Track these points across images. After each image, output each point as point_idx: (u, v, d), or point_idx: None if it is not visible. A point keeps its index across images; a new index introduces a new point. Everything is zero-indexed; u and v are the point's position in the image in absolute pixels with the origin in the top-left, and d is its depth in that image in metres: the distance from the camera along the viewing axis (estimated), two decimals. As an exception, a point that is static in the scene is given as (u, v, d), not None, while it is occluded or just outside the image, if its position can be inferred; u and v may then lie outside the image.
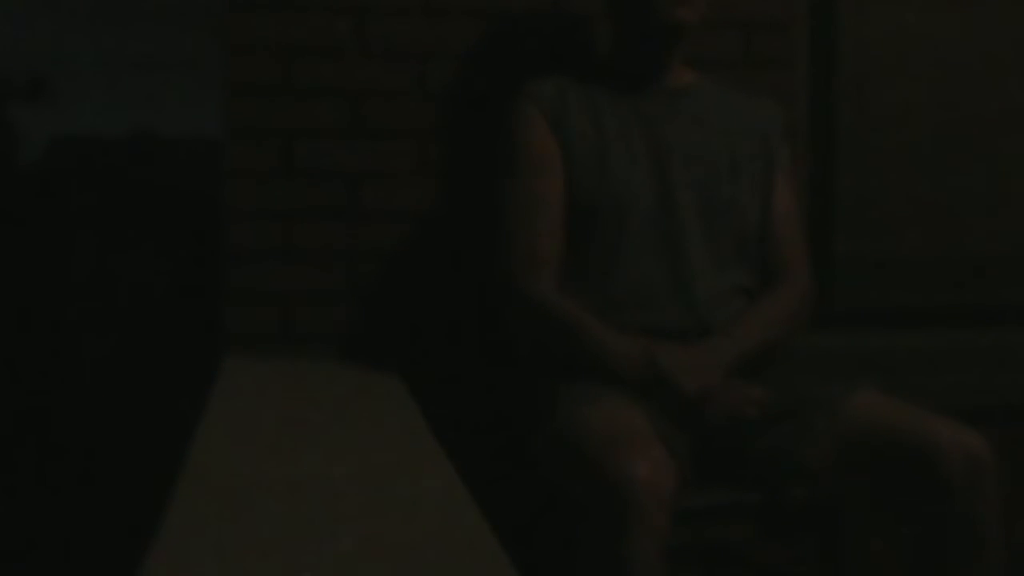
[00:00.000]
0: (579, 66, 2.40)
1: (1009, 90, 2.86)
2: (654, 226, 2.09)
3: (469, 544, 1.15)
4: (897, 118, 2.78)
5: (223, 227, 2.33)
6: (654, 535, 1.65)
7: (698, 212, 2.11)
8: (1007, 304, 2.87)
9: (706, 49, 2.51)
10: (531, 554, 2.42)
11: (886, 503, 1.87)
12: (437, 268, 2.40)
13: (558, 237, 2.10)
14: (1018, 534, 2.76)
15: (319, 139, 2.35)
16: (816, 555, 2.04)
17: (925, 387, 2.68)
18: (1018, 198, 2.87)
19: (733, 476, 2.01)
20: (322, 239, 2.35)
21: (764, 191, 2.19)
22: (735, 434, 1.97)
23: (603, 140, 2.12)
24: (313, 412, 1.78)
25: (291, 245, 2.34)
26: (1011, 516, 2.75)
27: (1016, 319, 2.87)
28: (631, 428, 1.76)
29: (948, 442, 1.79)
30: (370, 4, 2.37)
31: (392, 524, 1.21)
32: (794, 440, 1.94)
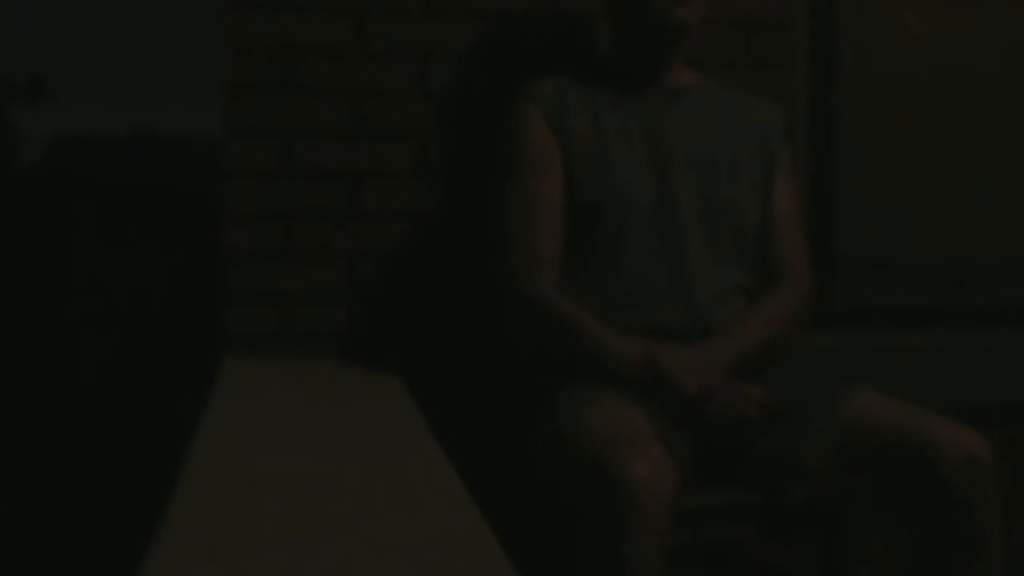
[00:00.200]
0: (579, 66, 2.40)
1: (1009, 90, 2.86)
2: (654, 226, 2.09)
3: (469, 544, 1.15)
4: (897, 118, 2.78)
5: (223, 227, 2.33)
6: (654, 535, 1.65)
7: (698, 212, 2.11)
8: (1007, 304, 2.87)
9: (706, 49, 2.51)
10: (531, 554, 2.42)
11: (886, 503, 1.87)
12: (437, 268, 2.40)
13: (558, 237, 2.10)
14: (1018, 534, 2.76)
15: (319, 139, 2.35)
16: (816, 555, 2.04)
17: (925, 387, 2.68)
18: (1018, 198, 2.87)
19: (733, 476, 2.01)
20: (322, 239, 2.35)
21: (764, 191, 2.19)
22: (735, 434, 1.97)
23: (603, 140, 2.12)
24: (313, 412, 1.78)
25: (291, 245, 2.34)
26: (1011, 516, 2.75)
27: (1016, 319, 2.87)
28: (631, 428, 1.76)
29: (948, 442, 1.79)
30: (370, 4, 2.37)
31: (392, 524, 1.21)
32: (794, 440, 1.94)
